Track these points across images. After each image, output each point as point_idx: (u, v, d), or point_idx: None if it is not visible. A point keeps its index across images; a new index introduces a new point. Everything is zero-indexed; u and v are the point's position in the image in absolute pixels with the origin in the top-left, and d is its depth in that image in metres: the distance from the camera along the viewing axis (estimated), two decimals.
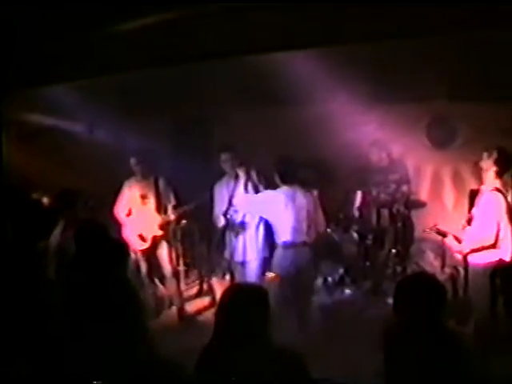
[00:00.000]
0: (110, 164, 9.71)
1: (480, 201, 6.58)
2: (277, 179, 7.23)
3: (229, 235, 8.06)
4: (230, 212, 7.91)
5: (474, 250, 6.46)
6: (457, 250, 6.70)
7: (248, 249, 7.96)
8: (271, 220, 7.26)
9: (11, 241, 6.98)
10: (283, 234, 7.07)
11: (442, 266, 9.42)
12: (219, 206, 8.12)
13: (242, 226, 7.95)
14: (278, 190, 7.18)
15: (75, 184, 7.93)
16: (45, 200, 8.59)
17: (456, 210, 9.34)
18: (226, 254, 8.26)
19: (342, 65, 7.58)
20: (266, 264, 8.10)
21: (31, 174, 9.12)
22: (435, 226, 7.05)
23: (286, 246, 7.06)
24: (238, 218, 7.95)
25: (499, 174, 6.46)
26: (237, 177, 7.89)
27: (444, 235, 6.87)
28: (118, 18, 6.48)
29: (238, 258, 8.03)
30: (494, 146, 6.53)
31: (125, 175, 8.79)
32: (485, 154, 6.51)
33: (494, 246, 6.35)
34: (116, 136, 10.23)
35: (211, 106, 10.97)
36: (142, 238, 8.58)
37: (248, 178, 7.91)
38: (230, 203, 7.90)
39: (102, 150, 10.19)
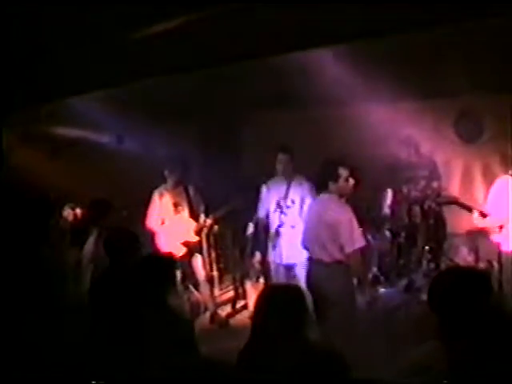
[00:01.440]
0: (140, 173, 9.78)
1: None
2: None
3: (273, 237, 8.08)
4: (279, 214, 7.94)
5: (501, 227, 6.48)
6: (482, 225, 6.69)
7: (292, 251, 7.95)
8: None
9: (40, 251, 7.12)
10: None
11: (476, 261, 9.39)
12: (265, 208, 8.16)
13: (283, 228, 7.96)
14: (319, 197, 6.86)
15: (108, 195, 8.03)
16: (78, 211, 8.71)
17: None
18: (264, 258, 8.31)
19: (368, 63, 7.58)
20: None
21: (64, 187, 9.22)
22: (456, 198, 6.97)
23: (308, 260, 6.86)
24: (287, 221, 7.96)
25: None
26: (288, 179, 7.91)
27: (469, 210, 6.81)
28: (136, 23, 6.51)
29: (281, 260, 8.04)
30: None
31: (155, 184, 8.88)
32: None
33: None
34: (144, 145, 10.31)
35: (238, 110, 11.02)
36: (183, 245, 8.64)
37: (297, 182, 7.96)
38: (279, 206, 7.93)
39: (131, 159, 10.27)
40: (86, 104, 8.66)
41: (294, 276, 7.98)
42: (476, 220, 6.72)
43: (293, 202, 7.93)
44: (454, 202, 7.02)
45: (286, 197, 7.93)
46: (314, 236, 6.56)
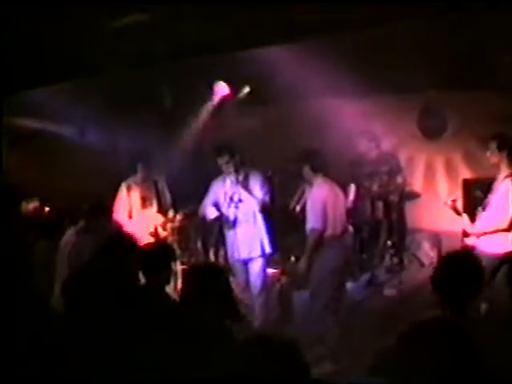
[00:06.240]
0: (104, 165, 9.72)
1: (496, 188, 6.63)
2: (307, 171, 7.16)
3: (228, 233, 8.08)
4: (231, 209, 7.90)
5: (486, 233, 6.52)
6: (470, 231, 6.71)
7: (251, 246, 7.97)
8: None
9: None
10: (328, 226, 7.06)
11: (439, 256, 9.44)
12: (211, 198, 8.12)
13: (237, 222, 7.94)
14: (320, 180, 7.13)
15: (71, 187, 7.96)
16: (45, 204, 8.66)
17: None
18: (226, 252, 8.29)
19: (330, 58, 7.58)
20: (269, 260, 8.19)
21: (27, 179, 9.13)
22: (454, 201, 6.98)
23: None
24: (240, 215, 7.92)
25: (508, 159, 6.52)
26: (235, 175, 7.84)
27: (459, 214, 6.84)
28: (103, 16, 6.48)
29: (240, 256, 8.02)
30: (492, 135, 6.66)
31: (119, 176, 8.80)
32: (492, 145, 6.59)
33: (507, 230, 6.40)
34: (107, 137, 10.23)
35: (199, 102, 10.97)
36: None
37: (247, 175, 7.93)
38: (232, 199, 7.88)
39: (94, 151, 10.19)
40: (48, 96, 8.58)
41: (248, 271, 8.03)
42: (465, 225, 6.74)
43: (242, 198, 7.88)
44: (453, 207, 7.02)
45: (235, 191, 7.88)
46: (337, 214, 7.07)
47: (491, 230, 6.52)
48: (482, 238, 6.56)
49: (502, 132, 6.85)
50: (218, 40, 6.79)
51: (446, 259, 4.16)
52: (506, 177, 6.52)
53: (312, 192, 7.20)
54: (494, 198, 6.61)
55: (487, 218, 6.60)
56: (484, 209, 6.68)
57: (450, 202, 6.86)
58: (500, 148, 6.54)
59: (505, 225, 6.43)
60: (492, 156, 6.64)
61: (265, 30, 6.46)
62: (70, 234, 6.97)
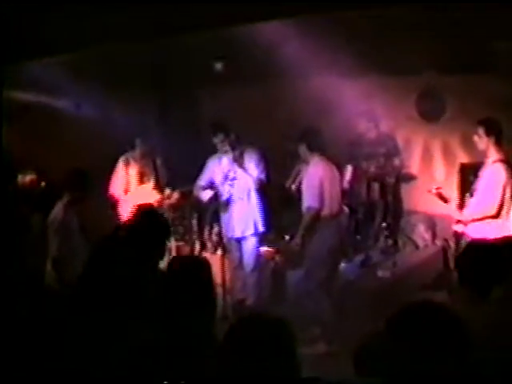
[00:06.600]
0: (100, 140, 9.68)
1: (484, 173, 6.60)
2: (303, 150, 7.23)
3: (223, 211, 8.09)
4: (226, 187, 7.92)
5: (475, 220, 6.50)
6: (458, 218, 6.70)
7: (245, 224, 7.99)
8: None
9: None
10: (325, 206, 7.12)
11: (433, 239, 9.47)
12: (206, 176, 8.13)
13: (232, 200, 7.96)
14: (316, 159, 7.22)
15: (69, 160, 7.93)
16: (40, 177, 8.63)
17: (446, 183, 9.32)
18: (221, 230, 8.31)
19: (330, 37, 7.53)
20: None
21: (24, 152, 9.09)
22: (438, 188, 6.97)
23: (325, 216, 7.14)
24: (234, 193, 7.95)
25: (497, 144, 6.49)
26: (231, 153, 7.86)
27: (445, 201, 6.83)
28: None
29: (234, 234, 8.04)
30: (479, 120, 6.63)
31: (116, 151, 8.77)
32: (479, 130, 6.55)
33: (495, 217, 6.38)
34: (104, 112, 10.17)
35: (197, 80, 10.91)
36: None
37: (242, 153, 7.94)
38: (227, 177, 7.90)
39: (91, 126, 10.14)
40: (45, 69, 8.51)
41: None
42: (453, 212, 6.74)
43: (236, 176, 7.91)
44: (438, 195, 7.00)
45: (231, 169, 7.91)
46: (333, 193, 7.22)
47: (479, 216, 6.49)
48: (470, 224, 6.54)
49: (490, 117, 6.81)
50: (215, 15, 6.74)
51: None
52: (494, 162, 6.49)
53: (308, 171, 7.22)
54: (480, 184, 6.58)
55: (475, 204, 6.57)
56: (472, 195, 6.67)
57: (434, 190, 6.86)
58: (488, 133, 6.49)
59: (493, 211, 6.40)
60: (480, 141, 6.58)
61: (263, 5, 6.41)
62: (56, 210, 6.94)
